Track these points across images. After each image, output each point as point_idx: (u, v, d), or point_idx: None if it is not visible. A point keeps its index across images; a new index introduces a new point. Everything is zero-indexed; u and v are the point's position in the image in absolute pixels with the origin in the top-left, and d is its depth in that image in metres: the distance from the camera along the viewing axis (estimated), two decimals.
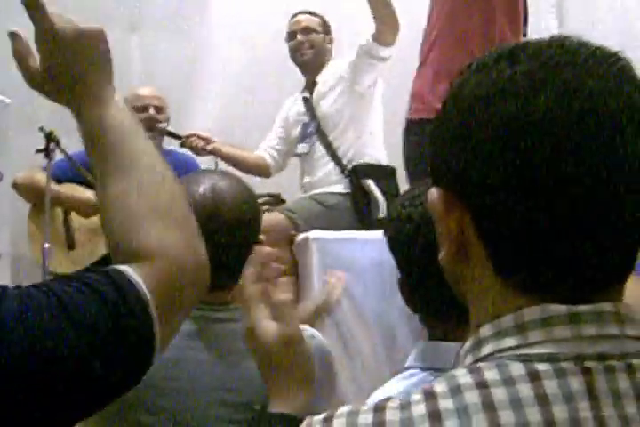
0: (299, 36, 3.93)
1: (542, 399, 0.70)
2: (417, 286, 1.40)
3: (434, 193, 0.80)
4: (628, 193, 0.73)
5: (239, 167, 3.95)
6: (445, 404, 0.71)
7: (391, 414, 0.72)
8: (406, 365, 1.42)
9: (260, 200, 3.62)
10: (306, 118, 3.92)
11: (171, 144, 3.99)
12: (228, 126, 4.57)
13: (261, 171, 4.04)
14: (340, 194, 3.73)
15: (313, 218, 3.55)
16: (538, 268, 0.74)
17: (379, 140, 3.88)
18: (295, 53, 3.95)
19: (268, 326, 1.06)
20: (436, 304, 1.36)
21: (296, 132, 3.97)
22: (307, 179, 3.92)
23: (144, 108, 3.86)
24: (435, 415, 0.70)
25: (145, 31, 4.83)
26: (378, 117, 3.90)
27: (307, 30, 3.94)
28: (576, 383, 0.71)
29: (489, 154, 0.73)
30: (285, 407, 1.04)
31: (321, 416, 0.75)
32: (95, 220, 3.63)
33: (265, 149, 4.06)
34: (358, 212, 3.67)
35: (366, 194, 3.67)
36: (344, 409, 0.75)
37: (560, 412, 0.70)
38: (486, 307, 0.78)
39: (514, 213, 0.73)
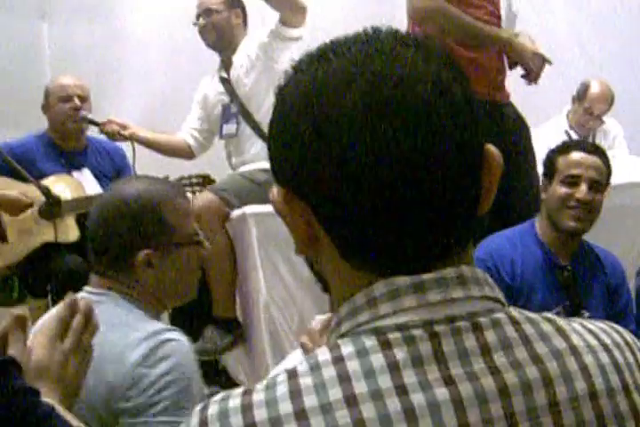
0: (200, 19, 3.81)
1: (393, 366, 0.73)
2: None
3: (275, 191, 0.82)
4: (441, 173, 0.75)
5: (158, 151, 3.92)
6: (305, 381, 0.73)
7: (257, 396, 0.74)
8: None
9: (188, 181, 3.58)
10: (225, 98, 3.82)
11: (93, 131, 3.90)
12: (147, 112, 4.48)
13: (183, 152, 3.97)
14: (268, 170, 3.62)
15: (244, 194, 3.47)
16: (376, 247, 0.77)
17: None
18: (201, 37, 3.84)
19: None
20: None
21: (217, 111, 3.87)
22: (236, 159, 3.84)
23: (69, 98, 3.78)
24: (296, 392, 0.73)
25: (55, 18, 4.70)
26: None
27: (208, 12, 3.80)
28: (424, 348, 0.74)
29: (312, 151, 0.76)
30: None
31: (198, 406, 0.78)
32: (26, 212, 3.50)
33: (186, 131, 3.97)
34: None
35: None
36: (218, 396, 0.77)
37: (409, 377, 0.72)
38: (342, 289, 0.80)
39: (343, 202, 0.75)
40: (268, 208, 3.47)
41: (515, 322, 0.78)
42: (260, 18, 3.93)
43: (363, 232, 0.76)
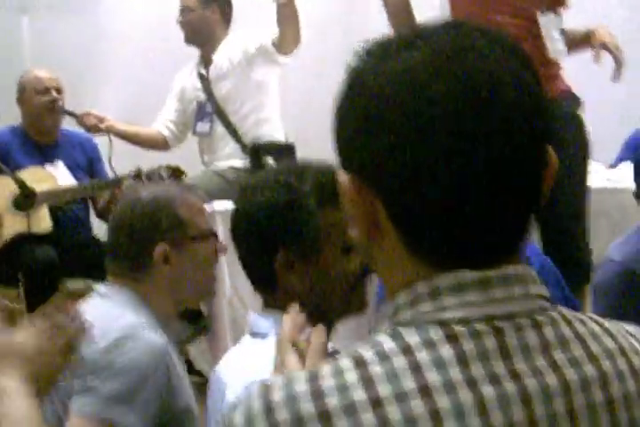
0: (179, 18, 3.89)
1: (462, 359, 0.73)
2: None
3: (343, 178, 0.80)
4: (522, 168, 0.77)
5: (135, 143, 3.96)
6: (376, 369, 0.73)
7: (326, 382, 0.73)
8: (259, 330, 1.44)
9: (157, 173, 3.59)
10: (202, 96, 3.88)
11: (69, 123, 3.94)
12: (127, 105, 4.50)
13: (158, 144, 4.01)
14: (240, 169, 3.73)
15: (214, 191, 3.51)
16: (444, 240, 0.77)
17: (277, 122, 3.90)
18: (183, 30, 3.92)
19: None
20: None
21: (192, 106, 3.92)
22: (208, 157, 3.91)
23: (46, 91, 3.80)
24: (368, 380, 0.72)
25: (35, 13, 4.70)
26: (275, 102, 3.90)
27: (184, 11, 3.89)
28: (490, 342, 0.75)
29: (392, 142, 0.75)
30: None
31: (256, 389, 0.76)
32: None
33: (161, 122, 4.01)
34: None
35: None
36: (277, 380, 0.76)
37: (477, 370, 0.73)
38: (400, 278, 0.79)
39: (418, 194, 0.75)
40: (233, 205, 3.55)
41: (567, 321, 0.80)
42: (255, 17, 4.00)
43: (433, 225, 0.77)
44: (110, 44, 4.77)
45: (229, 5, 3.93)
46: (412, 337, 0.75)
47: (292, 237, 1.42)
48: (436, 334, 0.75)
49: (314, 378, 0.74)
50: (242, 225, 1.47)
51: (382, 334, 0.77)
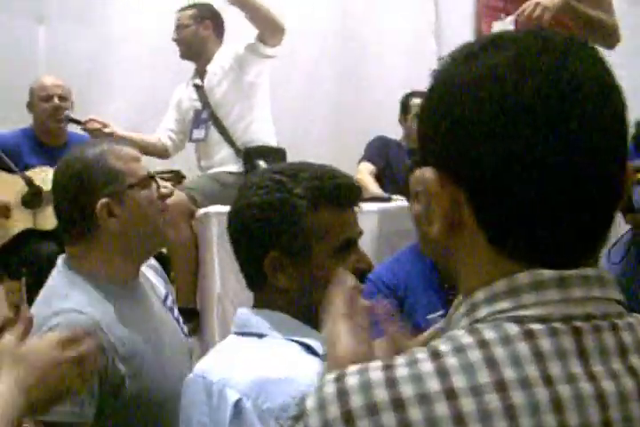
0: (174, 35, 4.07)
1: (538, 356, 0.73)
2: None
3: (428, 173, 0.80)
4: (608, 167, 0.77)
5: (136, 149, 4.00)
6: (451, 361, 0.72)
7: (400, 371, 0.73)
8: (250, 330, 1.44)
9: (161, 176, 3.74)
10: (198, 104, 4.02)
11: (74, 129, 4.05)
12: (133, 115, 4.62)
13: (159, 151, 4.13)
14: (234, 173, 3.85)
15: (211, 195, 3.66)
16: (528, 238, 0.77)
17: (268, 125, 4.02)
18: (178, 46, 4.08)
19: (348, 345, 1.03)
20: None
21: (189, 116, 4.06)
22: (204, 162, 4.03)
23: (49, 98, 3.95)
24: (442, 371, 0.72)
25: (52, 23, 4.83)
26: (266, 104, 4.03)
27: (179, 28, 4.06)
28: (567, 342, 0.74)
29: (481, 136, 0.76)
30: None
31: (332, 376, 0.76)
32: (10, 198, 3.73)
33: (162, 131, 4.15)
34: None
35: None
36: (352, 368, 0.75)
37: (554, 368, 0.72)
38: (479, 275, 0.79)
39: (506, 189, 0.76)
40: (227, 208, 3.59)
41: None
42: (238, 28, 4.09)
43: (520, 221, 0.76)
44: (120, 55, 4.90)
45: (221, 21, 4.09)
46: (489, 333, 0.74)
47: (281, 237, 1.41)
48: (513, 330, 0.74)
49: (388, 367, 0.74)
50: (235, 224, 1.48)
51: (459, 330, 0.76)
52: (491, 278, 0.78)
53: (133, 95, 4.82)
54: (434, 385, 0.71)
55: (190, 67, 4.15)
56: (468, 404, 0.70)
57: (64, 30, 4.80)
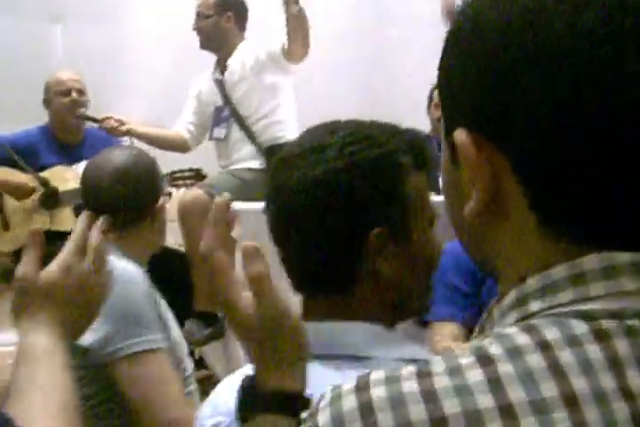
0: (194, 24, 3.94)
1: (614, 363, 0.57)
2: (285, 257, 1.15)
3: (462, 136, 0.64)
4: None
5: (156, 144, 3.97)
6: (505, 369, 0.57)
7: (440, 381, 0.57)
8: (344, 351, 1.09)
9: (180, 175, 3.65)
10: (218, 101, 3.92)
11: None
12: (151, 112, 4.57)
13: (179, 145, 4.04)
14: (256, 170, 3.77)
15: (230, 192, 3.54)
16: (593, 214, 0.61)
17: (292, 123, 3.91)
18: (199, 37, 3.96)
19: (249, 300, 0.88)
20: (289, 270, 1.15)
21: (209, 110, 3.97)
22: (224, 160, 3.94)
23: (67, 92, 3.89)
24: (495, 382, 0.57)
25: (67, 22, 4.82)
26: (290, 102, 3.92)
27: (199, 16, 3.92)
28: None
29: (532, 84, 0.60)
30: (277, 384, 0.87)
31: (351, 385, 0.60)
32: (28, 201, 3.66)
33: (182, 124, 4.05)
34: None
35: None
36: (379, 375, 0.60)
37: (634, 378, 0.57)
38: (527, 260, 0.64)
39: (564, 155, 0.60)
40: (254, 206, 3.57)
41: None
42: (267, 23, 4.02)
43: (579, 193, 0.61)
44: (136, 53, 4.88)
45: (244, 12, 3.96)
46: (551, 332, 0.59)
47: (386, 207, 1.08)
48: (580, 329, 0.59)
49: (425, 375, 0.58)
50: (304, 200, 1.09)
51: (511, 327, 0.61)
52: (544, 264, 0.63)
53: (150, 93, 4.80)
54: (486, 400, 0.56)
55: (208, 64, 4.05)
56: (529, 424, 0.55)
57: (80, 29, 4.80)
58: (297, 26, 3.57)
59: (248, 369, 0.95)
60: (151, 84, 4.82)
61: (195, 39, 3.98)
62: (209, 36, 3.90)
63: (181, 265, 3.38)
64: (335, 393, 0.60)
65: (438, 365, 0.59)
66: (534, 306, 0.62)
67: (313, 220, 1.08)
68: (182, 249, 3.52)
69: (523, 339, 0.58)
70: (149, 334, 1.82)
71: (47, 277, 1.09)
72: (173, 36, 4.55)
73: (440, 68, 0.68)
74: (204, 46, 3.96)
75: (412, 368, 0.59)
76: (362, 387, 0.59)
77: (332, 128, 1.13)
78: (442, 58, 0.68)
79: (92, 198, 2.01)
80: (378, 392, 0.57)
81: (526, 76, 0.60)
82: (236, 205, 3.70)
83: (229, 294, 0.88)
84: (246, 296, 0.88)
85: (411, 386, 0.57)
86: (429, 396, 0.56)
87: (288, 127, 3.88)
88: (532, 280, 0.63)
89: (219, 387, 1.17)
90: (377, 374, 0.59)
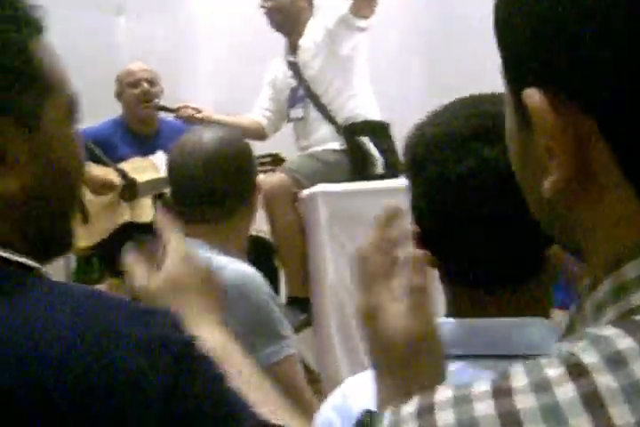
0: (263, 3, 3.79)
1: None
2: (444, 237, 1.01)
3: (535, 97, 0.53)
4: None
5: None
6: (605, 382, 0.45)
7: (524, 400, 0.46)
8: (507, 350, 0.98)
9: (260, 160, 3.62)
10: (293, 82, 3.82)
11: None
12: (221, 99, 4.52)
13: (256, 133, 3.95)
14: (337, 151, 3.67)
15: (313, 174, 3.50)
16: None
17: (369, 99, 3.80)
18: (268, 19, 3.83)
19: (397, 313, 0.77)
20: (468, 261, 1.00)
21: (285, 94, 3.87)
22: (303, 142, 3.85)
23: (137, 83, 3.85)
24: (592, 399, 0.44)
25: (130, 13, 4.79)
26: (365, 77, 3.80)
27: None
28: None
29: (630, 33, 0.49)
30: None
31: (412, 409, 0.49)
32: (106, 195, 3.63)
33: (258, 111, 3.97)
34: (355, 168, 3.61)
35: (362, 150, 3.61)
36: (445, 395, 0.49)
37: None
38: (624, 240, 0.53)
39: None
40: (338, 187, 3.53)
41: None
42: None
43: None
44: (202, 39, 4.83)
45: None
46: None
47: None
48: None
49: (503, 393, 0.47)
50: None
51: (609, 327, 0.49)
52: None
53: (219, 82, 4.74)
54: (581, 422, 0.43)
55: (278, 45, 3.93)
56: None
57: (144, 20, 4.77)
58: None
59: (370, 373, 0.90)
60: (220, 71, 4.76)
61: (263, 22, 3.86)
62: (285, 14, 3.76)
63: (264, 251, 3.36)
64: (393, 419, 0.50)
65: (520, 378, 0.47)
66: (637, 299, 0.49)
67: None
68: (261, 235, 3.49)
69: (626, 343, 0.46)
70: (287, 339, 1.72)
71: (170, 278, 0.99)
72: (241, 21, 4.47)
73: (498, 21, 0.57)
74: (278, 27, 3.82)
75: (486, 384, 0.48)
76: (425, 410, 0.48)
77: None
78: (497, 6, 0.57)
79: (185, 190, 1.81)
80: (445, 417, 0.47)
81: (620, 16, 0.49)
82: (322, 187, 3.57)
83: (380, 302, 0.79)
84: (397, 307, 0.78)
85: (485, 408, 0.46)
86: (510, 420, 0.45)
87: (364, 103, 3.77)
88: (629, 266, 0.51)
89: (340, 389, 1.10)
90: (443, 394, 0.49)
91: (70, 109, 0.84)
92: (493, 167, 0.94)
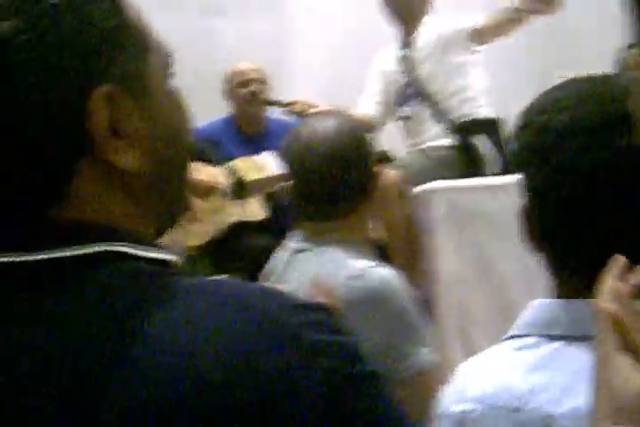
0: None
1: None
2: (552, 224, 1.00)
3: None
4: None
5: None
6: None
7: None
8: (518, 332, 1.04)
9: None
10: (404, 78, 3.75)
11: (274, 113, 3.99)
12: (325, 94, 4.45)
13: (367, 126, 3.82)
14: (447, 147, 3.61)
15: (422, 171, 3.44)
16: None
17: (483, 100, 3.71)
18: (386, 6, 3.74)
19: (627, 368, 0.71)
20: (577, 250, 0.99)
21: (393, 89, 3.80)
22: (412, 140, 3.80)
23: (246, 83, 3.90)
24: None
25: (230, 14, 4.84)
26: (482, 79, 3.73)
27: None
28: None
29: None
30: None
31: None
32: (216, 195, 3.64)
33: (366, 104, 3.89)
34: (465, 165, 3.54)
35: (472, 149, 3.54)
36: None
37: None
38: None
39: None
40: (454, 184, 3.46)
41: None
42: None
43: None
44: (304, 35, 4.83)
45: None
46: None
47: None
48: None
49: None
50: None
51: None
52: None
53: (322, 75, 4.74)
54: None
55: (383, 39, 3.88)
56: None
57: (243, 20, 4.82)
58: (510, 28, 3.51)
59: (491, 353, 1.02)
60: (320, 72, 4.76)
61: (368, 14, 3.81)
62: (400, 4, 3.69)
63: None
64: None
65: None
66: None
67: None
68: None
69: None
70: (427, 348, 1.66)
71: None
72: (342, 22, 4.50)
73: None
74: (399, 14, 3.73)
75: None
76: None
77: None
78: None
79: (310, 185, 1.74)
80: None
81: None
82: (437, 184, 3.48)
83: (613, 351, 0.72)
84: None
85: None
86: None
87: (480, 104, 3.69)
88: None
89: (458, 373, 1.11)
90: None
91: (166, 67, 0.78)
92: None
